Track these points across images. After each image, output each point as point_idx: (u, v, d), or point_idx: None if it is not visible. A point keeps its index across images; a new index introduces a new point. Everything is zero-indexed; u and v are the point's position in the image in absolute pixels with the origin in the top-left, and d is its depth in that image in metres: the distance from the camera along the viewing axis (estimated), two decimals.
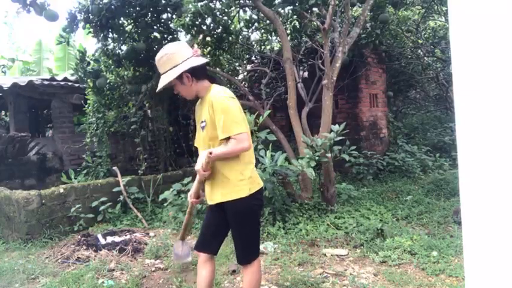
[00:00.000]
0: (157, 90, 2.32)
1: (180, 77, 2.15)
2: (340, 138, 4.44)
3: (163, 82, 2.17)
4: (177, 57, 2.15)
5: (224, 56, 7.98)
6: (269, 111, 5.15)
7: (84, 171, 6.55)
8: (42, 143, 7.96)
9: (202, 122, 2.23)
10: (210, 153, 2.03)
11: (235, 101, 2.17)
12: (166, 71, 2.16)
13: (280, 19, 6.28)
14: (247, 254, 2.29)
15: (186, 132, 7.36)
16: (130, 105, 6.27)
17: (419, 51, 9.59)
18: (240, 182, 2.16)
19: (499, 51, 0.77)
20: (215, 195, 2.23)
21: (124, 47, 6.03)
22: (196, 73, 2.17)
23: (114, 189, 5.20)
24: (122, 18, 5.63)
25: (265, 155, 4.25)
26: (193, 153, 6.84)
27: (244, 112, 4.31)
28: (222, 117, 2.05)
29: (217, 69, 7.39)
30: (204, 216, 2.51)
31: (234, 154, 2.11)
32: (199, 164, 2.10)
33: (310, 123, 6.01)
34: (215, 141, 2.14)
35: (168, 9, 5.77)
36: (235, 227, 2.27)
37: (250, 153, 2.25)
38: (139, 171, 6.02)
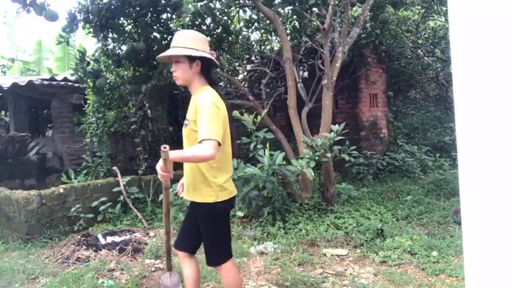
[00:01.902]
0: (158, 56, 2.28)
1: (192, 60, 2.18)
2: (340, 138, 4.44)
3: (177, 51, 2.18)
4: (202, 44, 2.23)
5: (224, 56, 7.97)
6: (267, 110, 5.15)
7: (84, 171, 6.55)
8: (42, 143, 7.96)
9: (186, 120, 2.25)
10: (165, 147, 1.92)
11: (219, 110, 2.12)
12: (185, 47, 2.18)
13: (280, 19, 6.28)
14: (213, 256, 2.29)
15: None
16: (130, 105, 6.27)
17: (419, 51, 9.59)
18: (207, 188, 2.19)
19: (499, 51, 0.77)
20: (187, 192, 2.29)
21: (124, 47, 6.03)
22: (204, 67, 2.24)
23: (114, 189, 5.20)
24: (121, 18, 5.63)
25: (264, 154, 4.25)
26: None
27: (244, 112, 4.34)
28: (201, 119, 2.03)
29: (217, 69, 7.39)
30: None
31: (195, 159, 2.03)
32: (158, 164, 2.02)
33: (310, 123, 6.01)
34: (193, 142, 2.13)
35: (168, 9, 5.76)
36: (201, 229, 2.29)
37: (224, 162, 2.25)
38: (139, 171, 6.02)
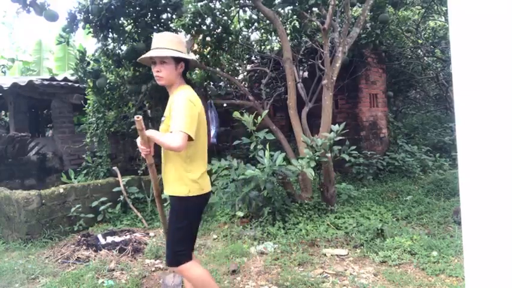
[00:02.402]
0: (138, 59, 2.37)
1: (178, 61, 2.28)
2: (340, 138, 4.44)
3: (166, 53, 2.24)
4: (185, 47, 2.37)
5: (224, 56, 7.97)
6: (267, 111, 5.14)
7: (84, 171, 6.55)
8: (42, 143, 7.96)
9: (163, 116, 2.32)
10: (138, 117, 2.02)
11: (195, 106, 2.20)
12: (171, 49, 2.25)
13: (280, 19, 6.28)
14: (172, 253, 2.29)
15: None
16: (130, 105, 6.27)
17: (419, 51, 9.59)
18: (180, 181, 2.23)
19: (499, 51, 0.77)
20: (164, 186, 2.35)
21: (124, 47, 6.02)
22: (186, 68, 2.36)
23: (114, 189, 5.20)
24: (121, 18, 5.63)
25: (264, 154, 4.25)
26: None
27: (244, 112, 4.34)
28: (176, 113, 2.11)
29: (217, 69, 7.39)
30: None
31: (164, 146, 2.13)
32: (139, 139, 2.17)
33: (310, 123, 6.01)
34: None
35: (168, 9, 5.76)
36: (169, 222, 2.33)
37: (199, 157, 2.29)
38: (139, 171, 6.02)
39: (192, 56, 2.32)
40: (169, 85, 2.32)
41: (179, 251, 2.27)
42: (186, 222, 2.27)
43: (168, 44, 2.27)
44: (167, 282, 2.71)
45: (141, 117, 2.04)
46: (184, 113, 2.10)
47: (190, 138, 2.09)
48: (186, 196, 2.22)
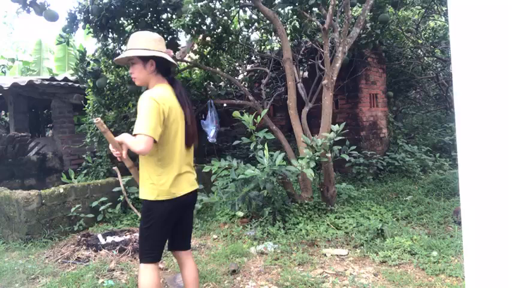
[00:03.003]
0: (115, 59, 2.35)
1: (146, 60, 2.21)
2: (340, 138, 4.44)
3: (129, 53, 2.22)
4: (156, 44, 2.25)
5: (224, 56, 7.97)
6: (267, 110, 5.14)
7: (84, 171, 6.55)
8: (42, 143, 7.97)
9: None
10: (97, 119, 2.00)
11: (158, 105, 2.08)
12: (138, 49, 2.21)
13: (280, 19, 6.28)
14: (140, 252, 2.30)
15: None
16: (130, 105, 6.26)
17: (419, 51, 9.58)
18: (150, 184, 2.20)
19: (499, 51, 0.77)
20: (139, 189, 2.34)
21: (124, 47, 6.02)
22: (160, 67, 2.26)
23: (114, 189, 5.20)
24: (121, 18, 5.62)
25: (264, 155, 4.25)
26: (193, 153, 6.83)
27: (244, 112, 4.34)
28: (138, 115, 2.08)
29: (217, 69, 7.39)
30: None
31: (131, 149, 2.10)
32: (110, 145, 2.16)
33: (310, 123, 6.01)
34: None
35: (168, 9, 5.76)
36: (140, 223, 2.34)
37: (173, 159, 2.21)
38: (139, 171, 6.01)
39: (162, 54, 2.20)
40: (146, 85, 2.29)
41: (144, 250, 2.27)
42: (152, 225, 2.23)
43: (135, 43, 2.23)
44: (179, 282, 2.72)
45: (99, 118, 1.98)
46: (145, 114, 2.04)
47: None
48: (153, 200, 2.19)
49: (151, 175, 2.20)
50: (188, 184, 2.32)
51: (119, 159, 2.19)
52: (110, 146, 2.13)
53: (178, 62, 6.85)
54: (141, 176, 2.26)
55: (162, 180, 2.18)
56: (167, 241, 2.44)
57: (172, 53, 2.34)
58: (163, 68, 2.29)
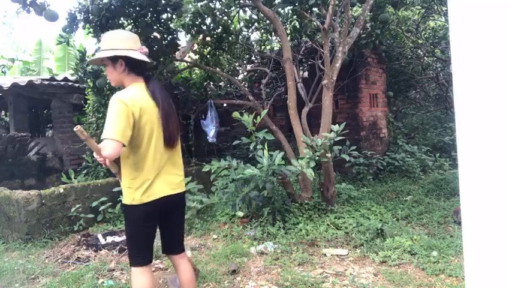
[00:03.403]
0: (88, 61, 2.34)
1: (115, 60, 2.15)
2: (340, 138, 4.44)
3: (98, 55, 2.19)
4: (124, 43, 2.17)
5: (224, 56, 7.97)
6: (266, 110, 5.14)
7: (84, 171, 6.55)
8: (42, 143, 7.96)
9: None
10: (77, 127, 1.91)
11: (127, 107, 2.01)
12: (107, 49, 2.16)
13: (280, 19, 6.28)
14: (129, 256, 2.28)
15: (186, 132, 7.36)
16: None
17: (419, 51, 9.59)
18: (127, 188, 2.17)
19: (499, 51, 0.77)
20: None
21: None
22: (131, 65, 2.18)
23: (114, 189, 5.20)
24: (121, 18, 5.62)
25: (263, 154, 4.25)
26: (193, 153, 6.84)
27: (244, 112, 4.34)
28: (106, 119, 2.02)
29: (217, 69, 7.39)
30: None
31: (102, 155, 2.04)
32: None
33: (310, 123, 6.01)
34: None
35: (168, 9, 5.76)
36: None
37: (148, 163, 2.13)
38: None
39: (129, 52, 2.08)
40: (121, 85, 2.24)
41: (131, 253, 2.25)
42: (134, 228, 2.21)
43: (104, 44, 2.18)
44: (176, 283, 2.71)
45: (79, 126, 1.90)
46: (113, 117, 1.97)
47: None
48: (130, 204, 2.15)
49: (127, 179, 2.16)
50: (168, 187, 2.21)
51: (104, 165, 2.13)
52: (94, 153, 2.06)
53: (178, 62, 6.86)
54: (122, 180, 2.22)
55: (137, 184, 2.12)
56: (160, 245, 2.43)
57: (145, 50, 2.24)
58: (135, 67, 2.19)
